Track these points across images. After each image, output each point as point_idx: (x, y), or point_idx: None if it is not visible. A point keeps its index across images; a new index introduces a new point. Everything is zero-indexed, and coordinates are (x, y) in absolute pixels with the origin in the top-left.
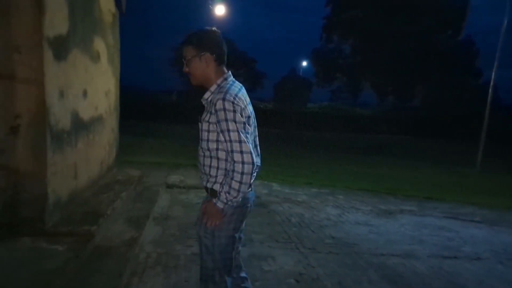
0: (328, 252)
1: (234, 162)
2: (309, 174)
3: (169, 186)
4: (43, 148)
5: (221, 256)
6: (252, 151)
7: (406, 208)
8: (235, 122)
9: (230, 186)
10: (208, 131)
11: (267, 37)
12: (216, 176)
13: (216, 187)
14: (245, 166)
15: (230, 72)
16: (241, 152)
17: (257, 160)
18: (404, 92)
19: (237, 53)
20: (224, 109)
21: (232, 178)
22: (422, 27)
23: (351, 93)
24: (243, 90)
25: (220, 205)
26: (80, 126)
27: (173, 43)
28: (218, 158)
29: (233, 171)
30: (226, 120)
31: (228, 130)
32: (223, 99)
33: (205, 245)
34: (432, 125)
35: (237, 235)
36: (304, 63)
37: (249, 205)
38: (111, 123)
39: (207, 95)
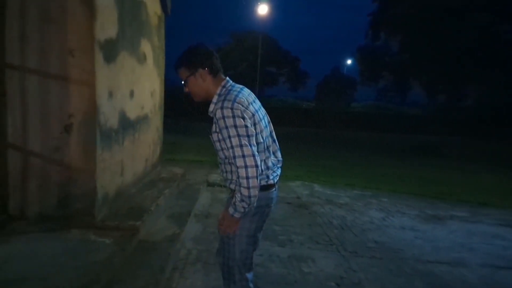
0: (370, 257)
1: (238, 168)
2: (351, 176)
3: (210, 184)
4: (93, 145)
5: (241, 255)
6: (254, 153)
7: (457, 214)
8: (235, 127)
9: (241, 194)
10: (219, 141)
11: (310, 36)
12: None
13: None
14: (249, 169)
15: (228, 78)
16: (243, 156)
17: (278, 156)
18: (456, 91)
19: (280, 52)
20: (223, 117)
21: (240, 185)
22: (478, 22)
23: (398, 92)
24: (244, 91)
25: (237, 215)
26: (127, 125)
27: (216, 43)
28: (231, 164)
29: (239, 177)
30: (226, 127)
31: (229, 137)
32: (221, 108)
33: (226, 244)
34: (486, 126)
35: (258, 235)
36: (349, 61)
37: (271, 205)
38: (156, 122)
39: (211, 107)
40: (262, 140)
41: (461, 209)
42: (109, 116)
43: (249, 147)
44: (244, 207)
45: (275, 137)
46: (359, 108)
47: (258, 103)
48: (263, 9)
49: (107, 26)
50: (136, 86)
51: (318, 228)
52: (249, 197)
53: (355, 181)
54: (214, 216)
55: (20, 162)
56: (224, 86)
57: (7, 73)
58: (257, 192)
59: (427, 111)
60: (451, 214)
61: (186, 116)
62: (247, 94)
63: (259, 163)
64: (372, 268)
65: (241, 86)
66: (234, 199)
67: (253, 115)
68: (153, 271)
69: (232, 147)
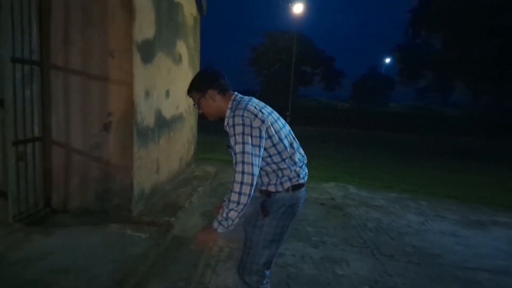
0: (407, 261)
1: (235, 172)
2: (388, 178)
3: None
4: (131, 143)
5: (264, 251)
6: (253, 163)
7: (502, 220)
8: (242, 134)
9: (229, 200)
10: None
11: (347, 34)
12: (269, 181)
13: (271, 188)
14: (244, 176)
15: (236, 93)
16: (242, 162)
17: (301, 151)
18: (502, 91)
19: (315, 51)
20: (233, 125)
21: (232, 190)
22: None
23: (440, 92)
24: (252, 101)
25: (215, 225)
26: (163, 124)
27: (250, 43)
28: (261, 169)
29: (233, 181)
30: (235, 135)
31: (236, 143)
32: (232, 117)
33: (250, 240)
34: None
35: (285, 235)
36: (387, 60)
37: (299, 204)
38: (190, 121)
39: (225, 121)
40: (283, 137)
41: (506, 215)
42: (145, 115)
43: (251, 156)
44: (226, 213)
45: (293, 135)
46: (398, 108)
47: (269, 109)
48: (298, 8)
49: (145, 28)
50: (171, 86)
51: (352, 230)
52: (238, 203)
53: (392, 184)
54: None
55: (63, 159)
56: (234, 100)
57: (52, 73)
58: (246, 200)
59: (470, 112)
60: (495, 219)
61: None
62: (256, 102)
63: (256, 172)
64: (409, 273)
65: (249, 97)
66: (220, 213)
67: (264, 120)
68: (186, 267)
69: (235, 153)
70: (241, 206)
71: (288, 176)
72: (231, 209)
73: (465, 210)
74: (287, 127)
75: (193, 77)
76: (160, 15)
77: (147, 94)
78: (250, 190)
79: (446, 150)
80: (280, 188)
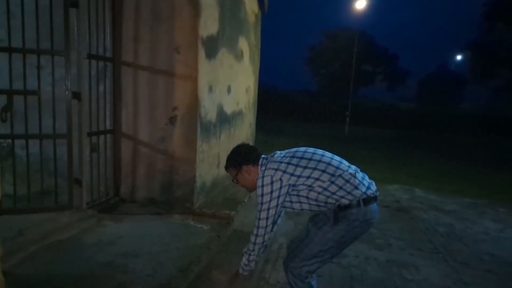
0: (485, 270)
1: (254, 226)
2: (460, 182)
3: None
4: (194, 137)
5: (317, 255)
6: (268, 217)
7: None
8: (262, 196)
9: (247, 247)
10: (282, 206)
11: (412, 31)
12: (326, 203)
13: (344, 201)
14: (259, 230)
15: (262, 156)
16: (259, 219)
17: (350, 175)
18: None
19: (377, 49)
20: (260, 186)
21: (249, 240)
22: None
23: None
24: (276, 155)
25: (241, 270)
26: (224, 119)
27: (309, 42)
28: (311, 200)
29: (251, 233)
30: (259, 195)
31: (261, 203)
32: (258, 178)
33: (310, 239)
34: None
35: (342, 250)
36: (459, 57)
37: (373, 221)
38: (250, 118)
39: None
40: (322, 169)
41: None
42: (208, 109)
43: (267, 211)
44: (249, 262)
45: (346, 162)
46: (470, 109)
47: (302, 149)
48: (360, 4)
49: (209, 24)
50: (233, 82)
51: (421, 234)
52: (253, 250)
53: (465, 188)
54: (305, 214)
55: (131, 151)
56: (261, 165)
57: (123, 70)
58: (259, 247)
59: None
60: None
61: (278, 117)
62: (283, 154)
63: (269, 223)
64: (487, 283)
65: (274, 152)
66: (242, 261)
67: (288, 163)
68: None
69: (258, 210)
70: (255, 252)
71: (347, 192)
72: (249, 255)
73: None
74: (327, 155)
75: (228, 155)
76: (224, 12)
77: (210, 89)
78: (263, 239)
79: None
80: (351, 202)
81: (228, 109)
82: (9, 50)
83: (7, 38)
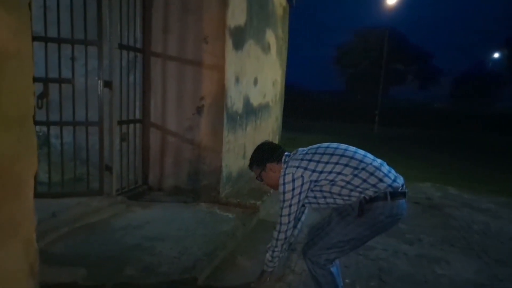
0: None
1: (276, 223)
2: (496, 182)
3: None
4: (221, 127)
5: (336, 246)
6: (290, 214)
7: None
8: (284, 193)
9: (270, 244)
10: (302, 202)
11: (445, 28)
12: (350, 197)
13: (369, 192)
14: (282, 226)
15: (286, 153)
16: (281, 215)
17: (374, 167)
18: None
19: (408, 47)
20: (282, 184)
21: (271, 236)
22: None
23: None
24: (298, 152)
25: (265, 267)
26: (250, 111)
27: (337, 41)
28: (334, 194)
29: (274, 229)
30: (281, 193)
31: (283, 201)
32: (280, 176)
33: (332, 228)
34: None
35: (363, 244)
36: (496, 55)
37: (400, 217)
38: (276, 111)
39: None
40: (344, 163)
41: None
42: (235, 100)
43: (289, 208)
44: (272, 259)
45: (370, 156)
46: (508, 109)
47: (324, 144)
48: (391, 0)
49: (237, 15)
50: (259, 74)
51: (454, 231)
52: (275, 246)
53: (501, 188)
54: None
55: (159, 140)
56: (284, 162)
57: (152, 60)
58: (282, 244)
59: None
60: None
61: (306, 116)
62: (306, 150)
63: (291, 220)
64: None
65: (296, 149)
66: (266, 258)
67: (310, 160)
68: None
69: (280, 207)
70: (278, 248)
71: (373, 185)
72: (273, 251)
73: None
74: (350, 149)
75: (252, 154)
76: (251, 3)
77: (237, 80)
78: (285, 235)
79: None
80: (376, 194)
81: (255, 101)
82: (45, 40)
83: (43, 32)
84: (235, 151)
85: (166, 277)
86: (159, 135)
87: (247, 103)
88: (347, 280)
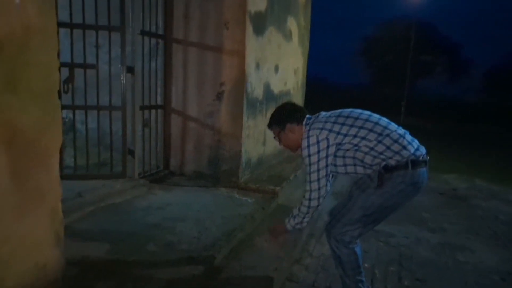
0: None
1: (305, 190)
2: None
3: None
4: (240, 112)
5: (360, 220)
6: (320, 179)
7: None
8: (313, 154)
9: (299, 210)
10: (327, 165)
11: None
12: (372, 165)
13: (391, 162)
14: (312, 193)
15: (307, 116)
16: (310, 181)
17: (407, 137)
18: None
19: (437, 38)
20: (306, 146)
21: (301, 203)
22: None
23: None
24: (321, 115)
25: (289, 226)
26: (270, 97)
27: (362, 33)
28: (356, 160)
29: (303, 197)
30: (306, 156)
31: (310, 165)
32: (303, 139)
33: (353, 203)
34: None
35: (386, 217)
36: None
37: (421, 185)
38: (298, 99)
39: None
40: (369, 128)
41: None
42: (255, 86)
43: (317, 172)
44: (296, 221)
45: (394, 124)
46: None
47: (348, 110)
48: None
49: (258, 0)
50: (281, 61)
51: (479, 220)
52: (305, 213)
53: None
54: None
55: (180, 126)
56: (306, 124)
57: (174, 47)
58: (314, 210)
59: None
60: None
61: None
62: (328, 114)
63: (322, 184)
64: None
65: (318, 113)
66: (292, 213)
67: (334, 122)
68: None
69: (309, 172)
70: (308, 215)
71: (395, 153)
72: (303, 217)
73: None
74: (375, 115)
75: (273, 112)
76: None
77: (257, 66)
78: (318, 202)
79: None
80: (398, 163)
81: (275, 88)
82: (70, 26)
83: (69, 20)
84: (255, 137)
85: (186, 254)
86: (180, 120)
87: (267, 89)
88: (366, 265)
